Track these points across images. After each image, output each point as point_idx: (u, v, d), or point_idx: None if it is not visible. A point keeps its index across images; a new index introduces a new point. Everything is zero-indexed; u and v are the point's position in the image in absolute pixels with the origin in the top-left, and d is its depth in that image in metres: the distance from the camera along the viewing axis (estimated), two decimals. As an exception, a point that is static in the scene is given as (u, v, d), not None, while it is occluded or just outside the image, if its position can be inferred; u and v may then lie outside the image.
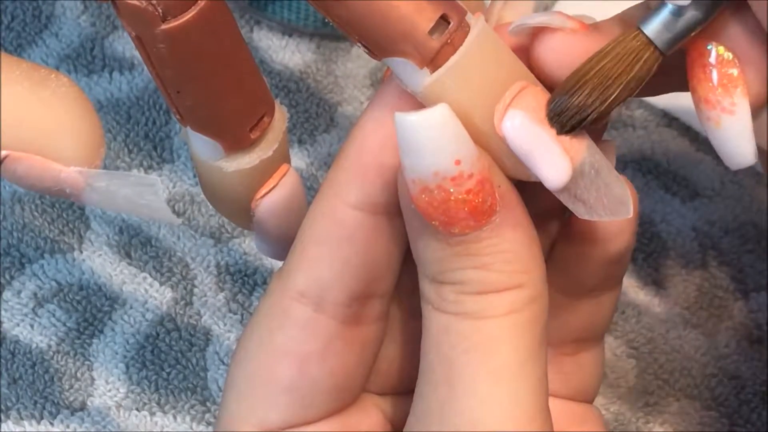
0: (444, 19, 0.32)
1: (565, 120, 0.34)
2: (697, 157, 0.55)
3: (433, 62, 0.33)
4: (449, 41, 0.32)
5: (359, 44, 0.33)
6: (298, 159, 0.54)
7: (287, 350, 0.36)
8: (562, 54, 0.35)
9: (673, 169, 0.55)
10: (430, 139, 0.32)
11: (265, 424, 0.37)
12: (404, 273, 0.37)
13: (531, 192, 0.35)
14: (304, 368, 0.36)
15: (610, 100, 0.34)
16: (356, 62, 0.57)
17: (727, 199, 0.54)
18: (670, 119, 0.56)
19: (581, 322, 0.39)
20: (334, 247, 0.35)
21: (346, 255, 0.35)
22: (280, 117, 0.36)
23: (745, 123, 0.34)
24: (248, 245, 0.52)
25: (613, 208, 0.35)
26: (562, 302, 0.39)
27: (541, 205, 0.36)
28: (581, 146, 0.34)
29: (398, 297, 0.38)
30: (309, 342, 0.36)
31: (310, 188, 0.53)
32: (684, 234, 0.54)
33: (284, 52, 0.56)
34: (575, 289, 0.39)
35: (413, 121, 0.32)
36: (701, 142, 0.56)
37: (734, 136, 0.35)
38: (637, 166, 0.55)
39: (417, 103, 0.34)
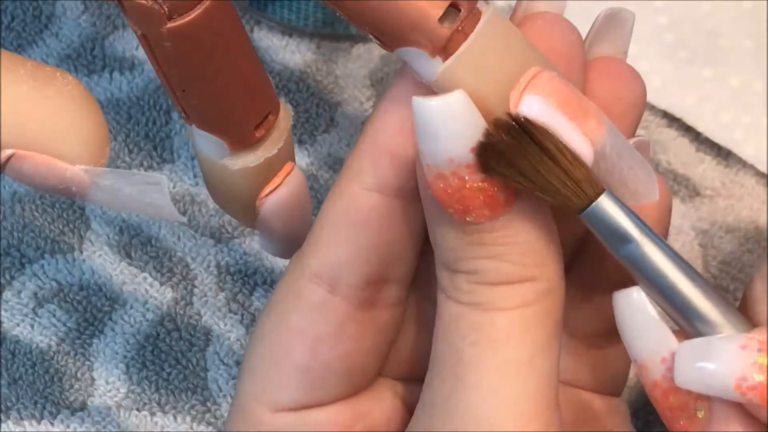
0: (455, 7, 0.32)
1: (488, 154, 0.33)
2: (697, 157, 0.55)
3: (444, 50, 0.33)
4: (460, 28, 0.32)
5: (371, 36, 0.33)
6: (299, 159, 0.54)
7: (300, 331, 0.36)
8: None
9: (673, 169, 0.55)
10: (444, 125, 0.32)
11: (277, 404, 0.37)
12: (426, 258, 0.37)
13: None
14: (316, 350, 0.36)
15: (518, 178, 0.33)
16: (356, 62, 0.57)
17: (727, 199, 0.54)
18: (670, 119, 0.56)
19: (611, 316, 0.39)
20: (349, 229, 0.35)
21: (361, 238, 0.35)
22: (285, 115, 0.36)
23: None
24: (248, 245, 0.52)
25: (637, 191, 0.34)
26: (592, 296, 0.39)
27: None
28: (600, 129, 0.34)
29: (419, 283, 0.38)
30: (322, 323, 0.36)
31: (310, 188, 0.53)
32: (684, 234, 0.54)
33: (284, 52, 0.56)
34: (606, 284, 0.39)
35: (429, 105, 0.32)
36: (701, 142, 0.56)
37: None
38: (636, 166, 0.55)
39: (434, 91, 0.33)
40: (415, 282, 0.38)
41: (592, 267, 0.38)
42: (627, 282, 0.38)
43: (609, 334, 0.39)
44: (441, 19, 0.32)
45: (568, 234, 0.36)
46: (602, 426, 0.40)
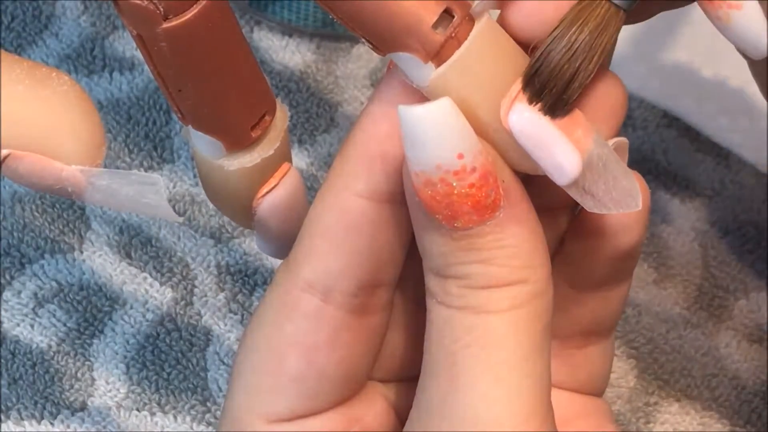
0: (448, 14, 0.33)
1: (540, 85, 0.33)
2: (697, 157, 0.55)
3: (437, 56, 0.33)
4: (453, 35, 0.33)
5: (364, 40, 0.33)
6: (299, 159, 0.54)
7: (295, 341, 0.36)
8: (534, 18, 0.34)
9: (673, 169, 0.55)
10: (432, 132, 0.32)
11: (273, 415, 0.37)
12: (410, 260, 0.37)
13: (539, 186, 0.35)
14: (311, 359, 0.36)
15: (580, 73, 0.33)
16: (356, 62, 0.57)
17: (727, 199, 0.54)
18: (670, 119, 0.56)
19: (590, 316, 0.39)
20: (341, 236, 0.35)
21: (354, 244, 0.35)
22: (282, 116, 0.36)
23: (754, 14, 0.34)
24: (248, 245, 0.52)
25: (621, 201, 0.35)
26: (572, 295, 0.39)
27: (551, 199, 0.36)
28: (588, 138, 0.34)
29: (403, 284, 0.38)
30: (317, 332, 0.36)
31: (311, 188, 0.53)
32: (684, 234, 0.54)
33: (284, 52, 0.56)
34: (585, 283, 0.39)
35: (416, 113, 0.32)
36: (701, 142, 0.56)
37: (746, 29, 0.34)
38: (637, 166, 0.55)
39: (421, 94, 0.34)
40: (398, 283, 0.38)
41: (571, 267, 0.38)
42: (607, 281, 0.39)
43: (588, 333, 0.40)
44: (434, 25, 0.32)
45: (548, 234, 0.36)
46: (584, 426, 0.40)
